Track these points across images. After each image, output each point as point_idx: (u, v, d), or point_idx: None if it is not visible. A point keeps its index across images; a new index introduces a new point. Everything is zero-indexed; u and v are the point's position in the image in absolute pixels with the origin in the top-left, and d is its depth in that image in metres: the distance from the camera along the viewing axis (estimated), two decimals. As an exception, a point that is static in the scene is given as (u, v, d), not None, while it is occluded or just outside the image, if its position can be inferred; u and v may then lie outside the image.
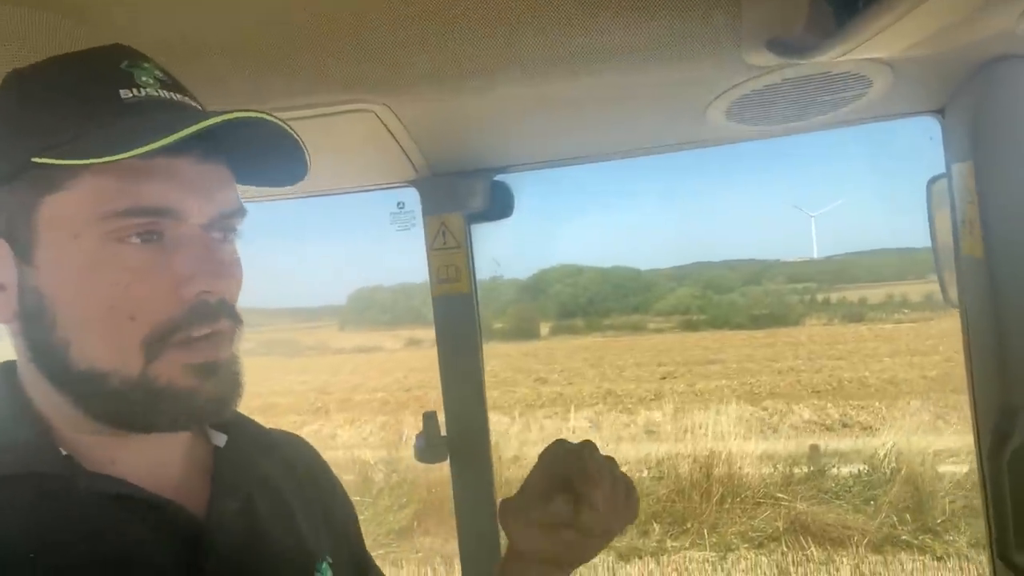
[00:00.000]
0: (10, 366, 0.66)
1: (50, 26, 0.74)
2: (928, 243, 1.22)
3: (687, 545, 6.80)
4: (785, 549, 6.24)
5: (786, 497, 7.32)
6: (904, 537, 6.45)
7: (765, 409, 12.91)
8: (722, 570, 6.16)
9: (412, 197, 1.39)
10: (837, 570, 5.93)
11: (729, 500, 7.14)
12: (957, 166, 1.06)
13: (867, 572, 5.91)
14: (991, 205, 1.01)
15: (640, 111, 1.12)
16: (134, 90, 0.59)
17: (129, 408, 0.59)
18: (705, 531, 6.77)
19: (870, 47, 0.80)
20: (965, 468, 7.33)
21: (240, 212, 0.64)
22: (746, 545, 6.52)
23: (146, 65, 0.62)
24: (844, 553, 6.11)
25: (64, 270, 0.57)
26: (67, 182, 0.57)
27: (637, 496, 0.73)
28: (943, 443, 8.37)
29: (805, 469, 7.90)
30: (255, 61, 0.84)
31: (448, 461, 1.41)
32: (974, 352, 1.09)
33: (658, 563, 6.37)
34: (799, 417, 11.90)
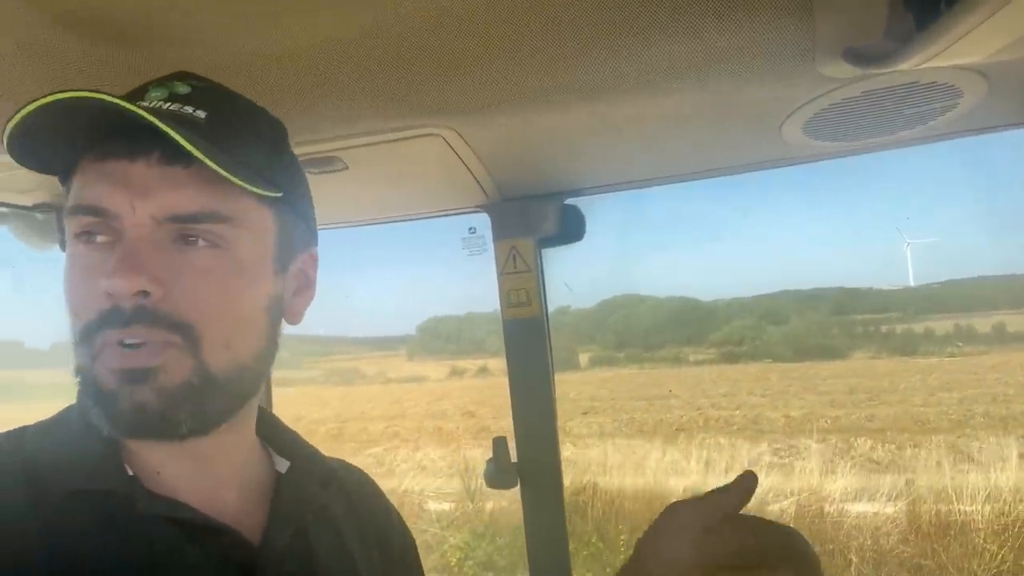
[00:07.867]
0: None
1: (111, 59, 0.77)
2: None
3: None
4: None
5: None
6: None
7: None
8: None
9: (484, 223, 1.39)
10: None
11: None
12: None
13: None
14: None
15: (713, 130, 1.10)
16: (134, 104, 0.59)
17: (95, 408, 0.59)
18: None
19: (955, 52, 0.76)
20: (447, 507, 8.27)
21: (213, 216, 0.59)
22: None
23: (175, 83, 0.62)
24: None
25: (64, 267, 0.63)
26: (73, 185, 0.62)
27: None
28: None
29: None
30: (320, 85, 0.85)
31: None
32: None
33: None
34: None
